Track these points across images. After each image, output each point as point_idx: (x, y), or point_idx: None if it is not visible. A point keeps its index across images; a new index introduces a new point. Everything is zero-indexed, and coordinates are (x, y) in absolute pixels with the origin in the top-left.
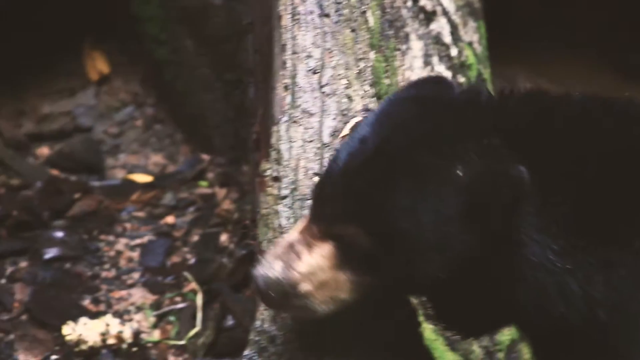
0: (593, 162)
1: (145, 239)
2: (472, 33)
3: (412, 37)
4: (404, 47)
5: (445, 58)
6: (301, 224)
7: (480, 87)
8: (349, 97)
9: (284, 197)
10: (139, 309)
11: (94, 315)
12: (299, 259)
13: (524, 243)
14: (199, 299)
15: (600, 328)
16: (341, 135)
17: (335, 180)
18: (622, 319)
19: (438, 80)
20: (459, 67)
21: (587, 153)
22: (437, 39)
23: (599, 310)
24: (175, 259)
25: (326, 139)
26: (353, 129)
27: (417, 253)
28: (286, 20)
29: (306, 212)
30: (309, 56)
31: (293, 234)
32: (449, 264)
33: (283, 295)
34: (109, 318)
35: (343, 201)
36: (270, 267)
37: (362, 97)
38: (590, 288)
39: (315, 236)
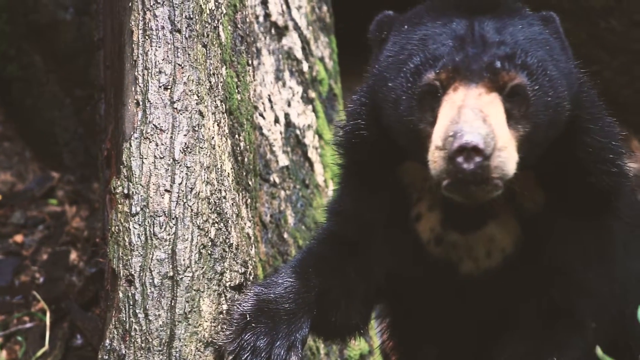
0: None
1: None
2: (323, 48)
3: (264, 52)
4: (255, 62)
5: (297, 73)
6: (464, 92)
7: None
8: (201, 113)
9: (135, 214)
10: None
11: None
12: (488, 116)
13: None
14: (48, 318)
15: None
16: None
17: (485, 42)
18: None
19: None
20: (310, 82)
21: None
22: (289, 54)
23: None
24: (24, 278)
25: (177, 155)
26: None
27: (557, 98)
28: (137, 36)
29: (455, 84)
30: (160, 72)
31: (469, 99)
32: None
33: (490, 152)
34: None
35: (510, 55)
36: (474, 127)
37: (213, 113)
38: None
39: (482, 94)
